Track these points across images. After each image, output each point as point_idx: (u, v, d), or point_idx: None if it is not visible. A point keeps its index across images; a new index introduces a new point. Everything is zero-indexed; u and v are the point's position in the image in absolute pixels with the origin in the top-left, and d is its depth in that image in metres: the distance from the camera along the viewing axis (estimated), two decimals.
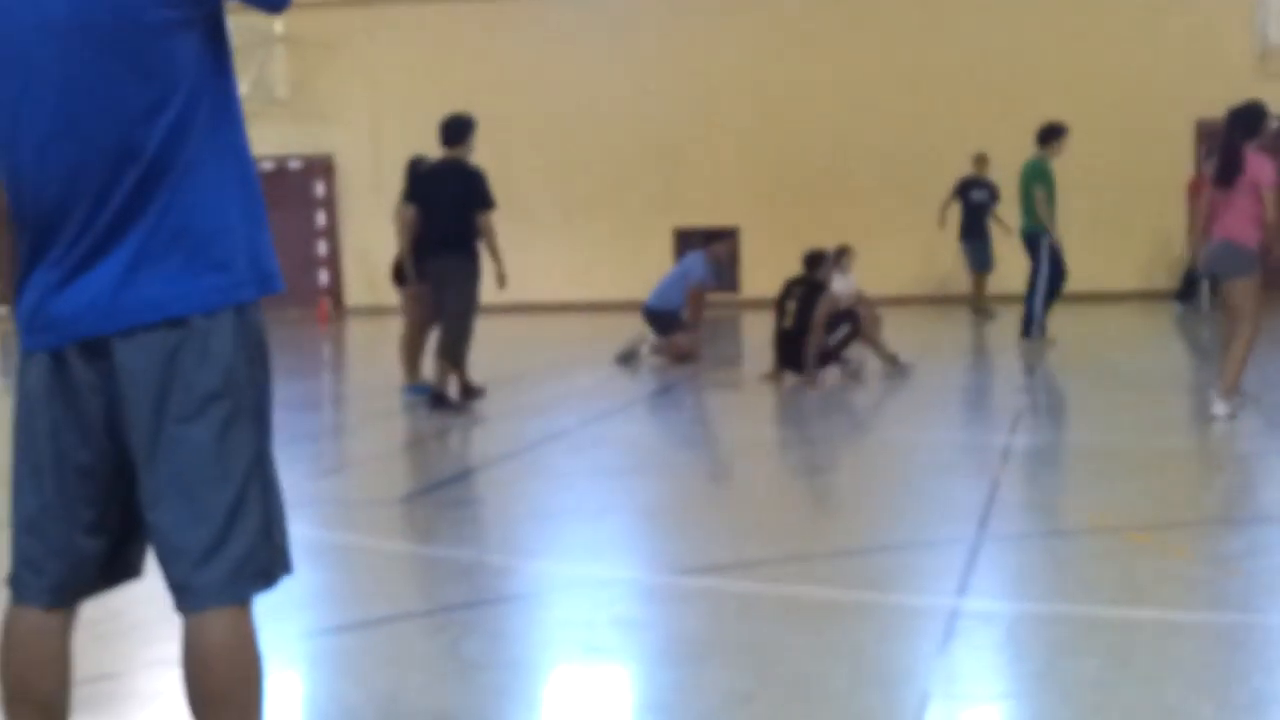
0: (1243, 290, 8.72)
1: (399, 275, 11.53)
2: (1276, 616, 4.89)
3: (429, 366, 11.06)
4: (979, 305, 18.45)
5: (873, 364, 12.18)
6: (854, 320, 11.91)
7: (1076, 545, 6.03)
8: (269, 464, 2.88)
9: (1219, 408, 8.86)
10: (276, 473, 2.91)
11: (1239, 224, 8.68)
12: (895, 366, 11.81)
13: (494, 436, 9.97)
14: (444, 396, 10.52)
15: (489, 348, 13.69)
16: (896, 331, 12.81)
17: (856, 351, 12.29)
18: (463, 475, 8.07)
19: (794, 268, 12.60)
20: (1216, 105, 20.59)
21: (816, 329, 11.52)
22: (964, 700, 4.17)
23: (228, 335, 2.79)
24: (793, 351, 11.68)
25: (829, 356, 11.79)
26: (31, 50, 2.73)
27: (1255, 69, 20.33)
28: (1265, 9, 20.04)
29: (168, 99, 2.73)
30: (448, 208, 10.53)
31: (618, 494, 7.50)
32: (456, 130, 11.08)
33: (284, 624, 4.69)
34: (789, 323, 11.77)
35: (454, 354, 10.60)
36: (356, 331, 20.78)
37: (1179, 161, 20.69)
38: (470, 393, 10.98)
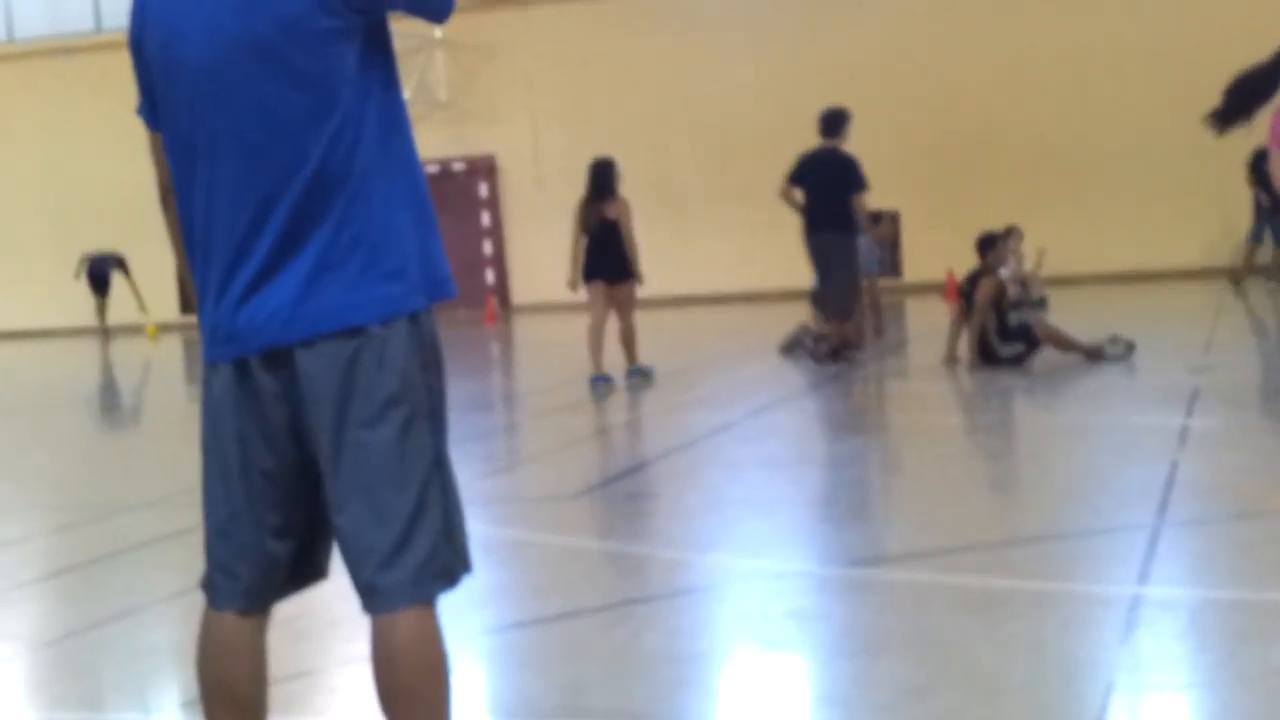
0: None
1: (620, 269, 12.06)
2: None
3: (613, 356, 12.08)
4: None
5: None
6: (1029, 338, 11.45)
7: (1258, 529, 5.89)
8: (447, 466, 2.97)
9: None
10: (454, 475, 2.99)
11: None
12: (1104, 356, 11.29)
13: (663, 430, 10.06)
14: (838, 348, 12.41)
15: (652, 340, 13.80)
16: (1073, 315, 12.54)
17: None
18: (634, 469, 8.17)
19: (956, 249, 12.44)
20: None
21: (979, 313, 11.34)
22: (1148, 691, 4.11)
23: (403, 342, 2.87)
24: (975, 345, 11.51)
25: (999, 359, 11.47)
26: (201, 65, 2.84)
27: None
28: None
29: (333, 108, 2.82)
30: (827, 189, 12.61)
31: (787, 485, 7.53)
32: (832, 122, 13.32)
33: (465, 621, 4.82)
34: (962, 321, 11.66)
35: (844, 310, 12.57)
36: (523, 329, 21.09)
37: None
38: (843, 348, 12.56)
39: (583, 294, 12.37)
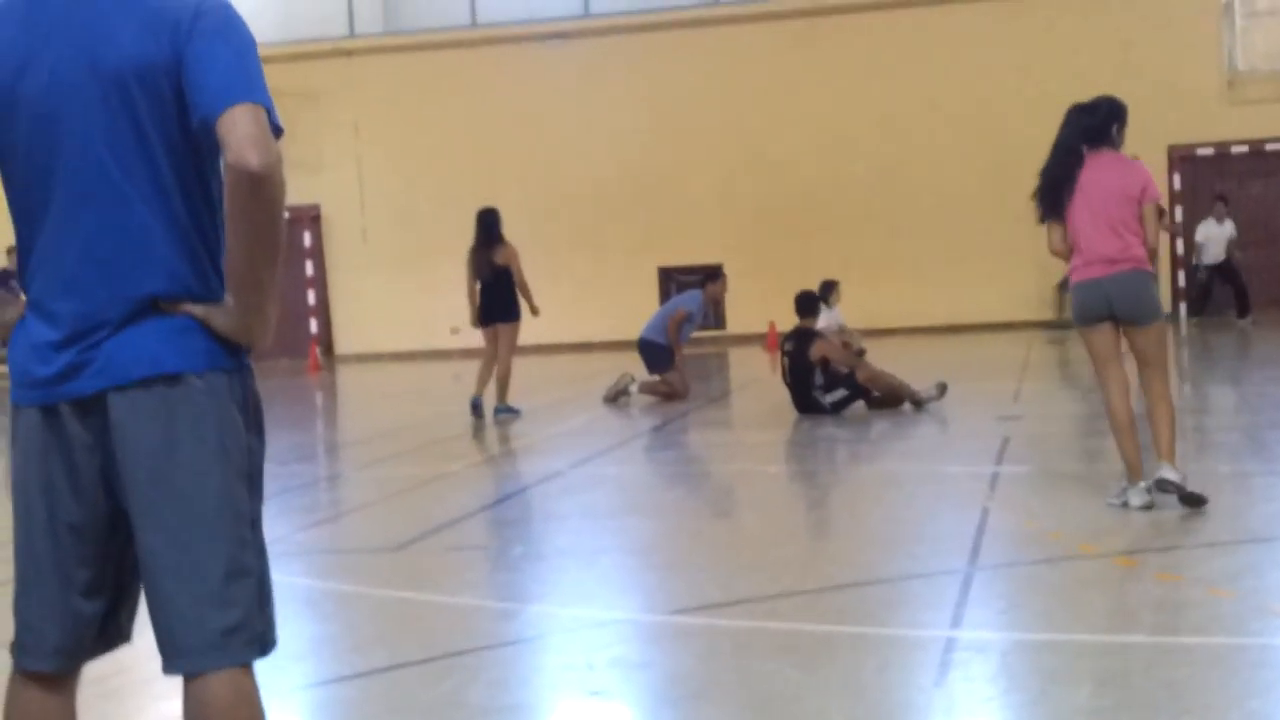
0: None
1: (505, 311, 12.95)
2: (1269, 638, 4.95)
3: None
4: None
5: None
6: (853, 386, 11.86)
7: (1066, 572, 6.10)
8: (261, 530, 2.91)
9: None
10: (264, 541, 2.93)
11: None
12: (925, 401, 11.77)
13: (489, 480, 10.03)
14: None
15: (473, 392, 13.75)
16: (890, 367, 12.87)
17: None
18: (458, 520, 8.11)
19: (778, 304, 12.71)
20: (1187, 132, 21.01)
21: (815, 367, 11.73)
22: None
23: (224, 397, 2.82)
24: (797, 398, 11.94)
25: (825, 408, 11.82)
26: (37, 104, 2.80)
27: (1223, 95, 20.60)
28: (1232, 37, 20.29)
29: (161, 164, 2.80)
30: None
31: (612, 534, 7.56)
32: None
33: (284, 676, 4.73)
34: (785, 377, 11.94)
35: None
36: (347, 379, 20.82)
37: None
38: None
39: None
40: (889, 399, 11.79)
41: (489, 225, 12.99)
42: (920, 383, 11.88)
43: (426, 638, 5.48)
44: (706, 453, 11.38)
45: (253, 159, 2.67)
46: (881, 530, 7.27)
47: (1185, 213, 20.96)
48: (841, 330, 16.66)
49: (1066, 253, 7.22)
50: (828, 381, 11.79)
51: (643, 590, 6.33)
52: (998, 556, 6.44)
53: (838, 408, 11.75)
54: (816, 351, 11.82)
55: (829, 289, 16.83)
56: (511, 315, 12.99)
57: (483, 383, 13.08)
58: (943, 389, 11.86)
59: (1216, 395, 12.51)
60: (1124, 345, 7.26)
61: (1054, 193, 7.19)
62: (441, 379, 19.56)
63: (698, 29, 22.44)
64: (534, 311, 13.04)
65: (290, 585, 6.17)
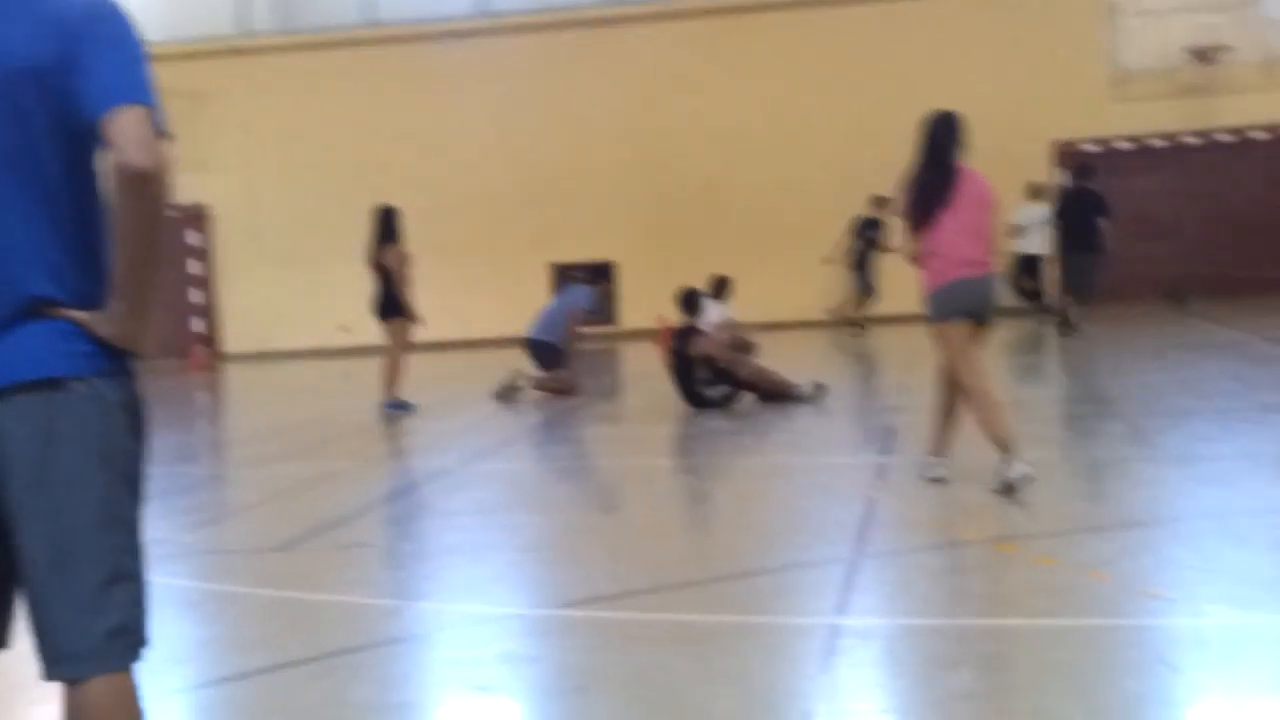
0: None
1: (387, 309, 13.04)
2: (1142, 619, 5.05)
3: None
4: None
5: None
6: (734, 380, 11.97)
7: (949, 559, 6.19)
8: (140, 536, 2.88)
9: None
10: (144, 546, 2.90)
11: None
12: (803, 395, 11.88)
13: (377, 477, 9.94)
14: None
15: (370, 388, 13.65)
16: (787, 360, 12.98)
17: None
18: (345, 518, 8.03)
19: (670, 298, 12.78)
20: (1072, 128, 21.44)
21: (699, 365, 11.80)
22: (845, 717, 4.26)
23: (105, 401, 2.78)
24: (684, 393, 12.02)
25: (711, 402, 11.89)
26: None
27: (1108, 93, 21.05)
28: (1116, 35, 20.74)
29: (49, 167, 2.76)
30: None
31: (501, 530, 7.53)
32: None
33: (166, 678, 4.65)
34: (672, 373, 12.06)
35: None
36: (235, 379, 20.52)
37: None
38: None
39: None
40: (774, 394, 11.90)
41: (380, 224, 13.08)
42: (818, 377, 12.02)
43: (311, 637, 5.41)
44: (596, 447, 11.38)
45: (138, 160, 2.66)
46: (768, 521, 7.32)
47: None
48: (732, 325, 16.77)
49: (919, 257, 7.57)
50: (714, 377, 11.89)
51: (531, 585, 6.32)
52: (882, 544, 6.51)
53: (723, 402, 11.85)
54: (698, 348, 11.91)
55: (721, 285, 16.90)
56: (392, 314, 13.10)
57: (388, 383, 13.17)
58: (820, 389, 12.01)
59: (1097, 384, 12.76)
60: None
61: (930, 201, 7.48)
62: (331, 377, 19.37)
63: (593, 29, 22.43)
64: (410, 318, 13.12)
65: (173, 587, 6.07)
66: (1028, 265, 19.65)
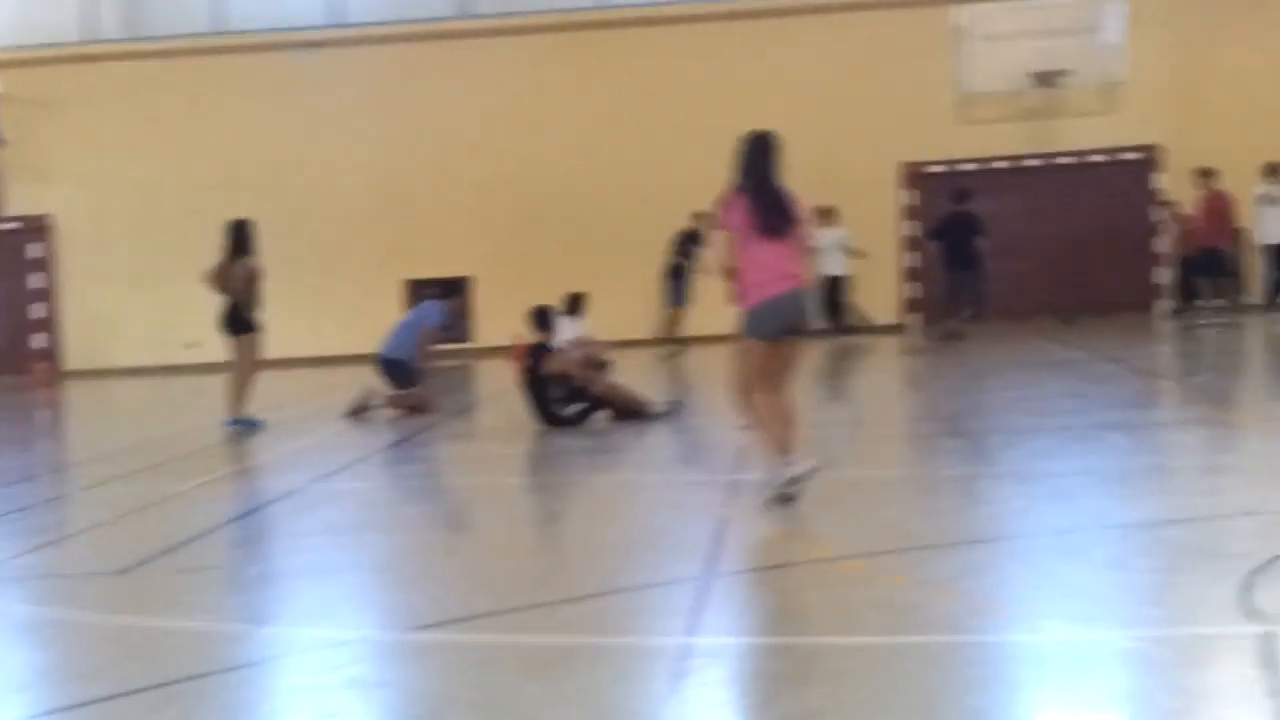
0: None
1: (235, 325, 12.95)
2: (986, 636, 5.16)
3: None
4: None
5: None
6: (590, 398, 11.96)
7: (799, 578, 6.26)
8: None
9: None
10: None
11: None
12: (658, 413, 11.91)
13: (224, 498, 9.74)
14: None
15: (218, 407, 13.39)
16: (642, 377, 13.02)
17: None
18: (190, 540, 7.85)
19: (524, 317, 12.76)
20: (919, 151, 21.94)
21: (552, 382, 11.78)
22: None
23: None
24: (537, 411, 11.99)
25: (565, 420, 11.88)
26: None
27: (954, 115, 21.57)
28: (963, 61, 21.25)
29: None
30: None
31: (350, 551, 7.43)
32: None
33: (2, 708, 4.50)
34: (525, 391, 12.04)
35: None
36: (78, 396, 19.97)
37: (886, 203, 21.77)
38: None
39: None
40: (628, 412, 11.94)
41: (233, 237, 13.01)
42: (673, 394, 12.10)
43: (153, 664, 5.28)
44: (449, 466, 11.30)
45: None
46: (621, 540, 7.33)
47: (916, 227, 21.84)
48: (587, 343, 16.79)
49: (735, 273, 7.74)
50: (568, 395, 11.88)
51: (381, 607, 6.24)
52: (733, 563, 6.56)
53: (578, 420, 11.85)
54: (550, 366, 11.89)
55: (575, 302, 16.94)
56: (240, 329, 13.02)
57: (233, 400, 13.03)
58: (676, 406, 12.09)
59: (941, 402, 13.03)
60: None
61: (757, 218, 7.66)
62: (178, 394, 18.96)
63: (451, 41, 22.31)
64: (249, 328, 13.07)
65: (10, 612, 5.90)
66: (830, 286, 20.24)
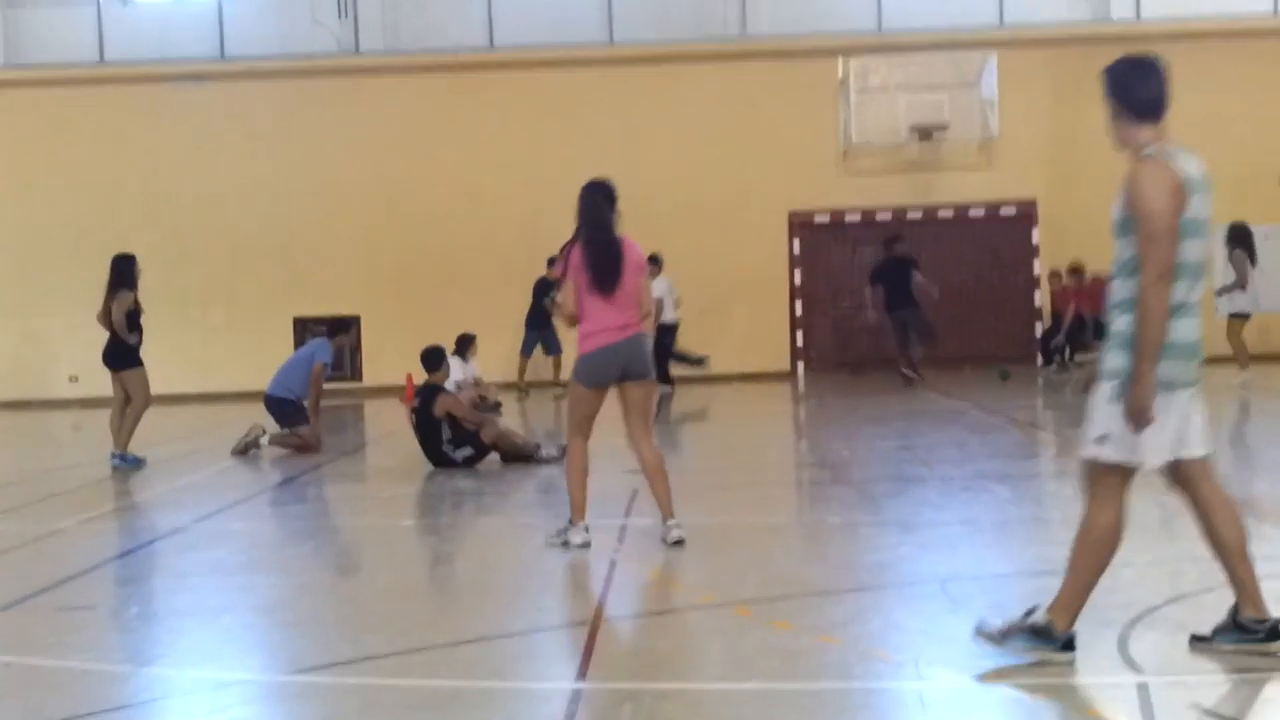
0: None
1: (119, 359, 12.80)
2: (871, 682, 5.24)
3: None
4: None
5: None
6: (477, 442, 11.96)
7: (687, 622, 6.31)
8: None
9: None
10: None
11: None
12: (547, 460, 11.88)
13: (105, 536, 9.56)
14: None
15: (100, 443, 13.15)
16: (531, 418, 13.01)
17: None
18: (69, 579, 7.69)
19: (414, 357, 12.72)
20: (806, 199, 22.26)
21: (442, 423, 11.75)
22: None
23: None
24: (427, 452, 11.94)
25: (455, 462, 11.86)
26: None
27: (839, 166, 21.98)
28: (848, 112, 21.65)
29: None
30: None
31: (236, 592, 7.34)
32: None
33: None
34: (415, 431, 11.98)
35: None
36: None
37: (777, 251, 22.05)
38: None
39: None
40: (517, 455, 11.94)
41: (115, 271, 12.90)
42: (562, 437, 12.09)
43: (29, 705, 5.18)
44: (337, 507, 11.21)
45: None
46: (511, 584, 7.33)
47: (803, 275, 22.14)
48: (477, 384, 16.78)
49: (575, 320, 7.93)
50: (456, 437, 11.85)
51: (267, 649, 6.18)
52: (623, 608, 6.60)
53: (468, 463, 11.82)
54: (440, 407, 11.86)
55: (466, 343, 16.93)
56: (122, 363, 12.88)
57: (116, 433, 12.86)
58: (564, 450, 12.11)
59: (828, 450, 13.19)
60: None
61: (606, 269, 7.80)
62: (59, 429, 18.58)
63: (339, 77, 22.24)
64: (132, 363, 12.89)
65: None
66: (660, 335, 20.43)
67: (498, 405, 17.16)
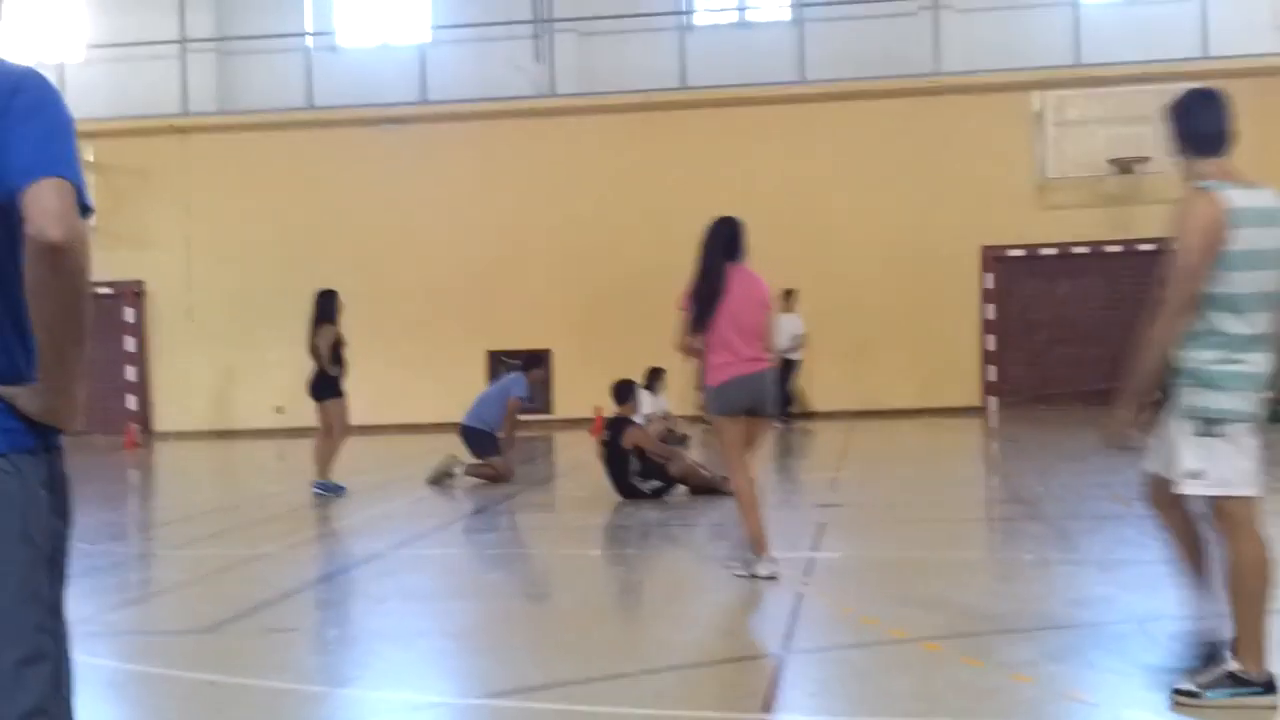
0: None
1: (322, 390, 13.23)
2: None
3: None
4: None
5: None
6: (664, 475, 12.04)
7: (875, 656, 6.24)
8: (62, 617, 2.86)
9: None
10: (68, 627, 2.87)
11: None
12: (729, 488, 11.90)
13: (307, 560, 9.87)
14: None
15: (304, 470, 13.57)
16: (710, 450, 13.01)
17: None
18: (273, 601, 7.96)
19: (605, 388, 12.86)
20: (1000, 234, 21.85)
21: (631, 455, 11.86)
22: None
23: (27, 478, 2.78)
24: (616, 483, 12.09)
25: (643, 493, 11.93)
26: None
27: (1034, 200, 21.56)
28: (1044, 146, 21.24)
29: None
30: None
31: (430, 617, 7.50)
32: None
33: None
34: (604, 463, 12.15)
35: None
36: (166, 457, 20.30)
37: (968, 285, 21.71)
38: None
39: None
40: (704, 488, 11.98)
41: (317, 306, 13.30)
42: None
43: None
44: (528, 535, 11.37)
45: (53, 232, 2.62)
46: (698, 614, 7.35)
47: (997, 310, 21.74)
48: (666, 417, 16.86)
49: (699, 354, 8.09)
50: (644, 469, 11.95)
51: (459, 674, 6.30)
52: (811, 641, 6.56)
53: (656, 495, 11.90)
54: (629, 440, 11.98)
55: (655, 376, 17.03)
56: (326, 394, 13.25)
57: (320, 462, 13.22)
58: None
59: (1021, 486, 12.91)
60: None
61: (708, 303, 8.02)
62: (265, 458, 19.23)
63: (534, 119, 22.67)
64: (334, 394, 13.27)
65: (95, 667, 6.00)
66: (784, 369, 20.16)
67: (685, 438, 17.20)
